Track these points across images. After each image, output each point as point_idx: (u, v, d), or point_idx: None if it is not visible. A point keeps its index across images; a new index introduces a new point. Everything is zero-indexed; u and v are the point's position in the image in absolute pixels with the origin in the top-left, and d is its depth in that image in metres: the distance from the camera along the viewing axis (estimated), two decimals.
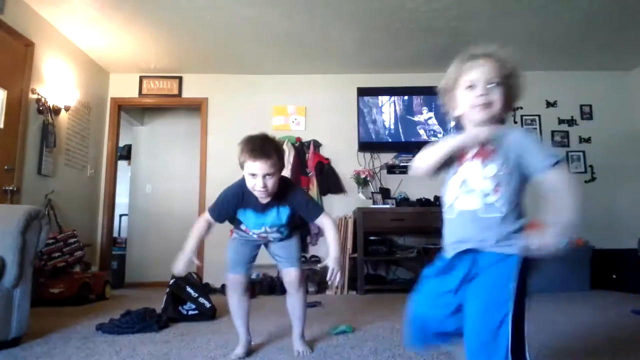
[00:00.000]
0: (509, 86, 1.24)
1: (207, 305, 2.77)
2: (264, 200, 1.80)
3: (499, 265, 1.14)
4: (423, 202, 4.65)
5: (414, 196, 4.77)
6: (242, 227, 1.97)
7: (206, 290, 3.40)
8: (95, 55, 4.69)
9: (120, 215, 6.06)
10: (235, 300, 1.99)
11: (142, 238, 5.72)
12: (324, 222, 1.85)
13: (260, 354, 1.90)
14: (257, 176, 1.68)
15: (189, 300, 2.76)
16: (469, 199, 1.18)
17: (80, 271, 3.80)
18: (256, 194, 1.75)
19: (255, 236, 1.96)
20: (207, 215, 1.95)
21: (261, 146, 1.68)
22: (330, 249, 1.80)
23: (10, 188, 3.44)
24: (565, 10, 3.83)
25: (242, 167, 1.74)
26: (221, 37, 4.31)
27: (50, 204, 3.89)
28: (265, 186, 1.69)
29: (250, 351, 1.92)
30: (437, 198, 4.74)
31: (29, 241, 2.08)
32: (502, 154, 1.15)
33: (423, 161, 1.28)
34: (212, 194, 5.24)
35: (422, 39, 4.36)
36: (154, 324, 2.39)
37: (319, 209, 1.88)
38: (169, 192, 5.81)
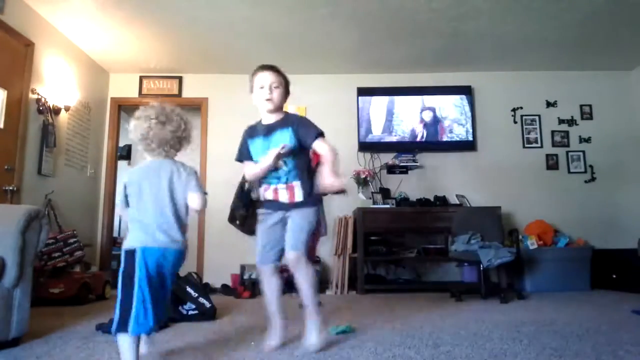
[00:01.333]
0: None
1: (207, 305, 2.77)
2: (270, 108, 1.95)
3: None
4: (423, 202, 4.66)
5: (414, 196, 4.77)
6: (260, 180, 2.03)
7: (206, 290, 3.40)
8: (95, 55, 4.69)
9: (120, 215, 6.05)
10: (264, 284, 2.03)
11: None
12: (321, 145, 1.91)
13: (260, 354, 1.90)
14: (264, 87, 1.94)
15: (189, 300, 2.76)
16: None
17: (80, 271, 3.80)
18: (264, 104, 1.94)
19: (269, 193, 1.99)
20: (244, 166, 2.11)
21: (269, 65, 2.00)
22: (324, 168, 1.86)
23: (10, 188, 3.44)
24: (565, 10, 3.83)
25: (252, 89, 1.99)
26: (221, 37, 4.31)
27: (50, 204, 3.89)
28: (271, 93, 1.93)
29: (284, 342, 1.95)
30: (437, 198, 4.75)
31: (29, 241, 2.08)
32: None
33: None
34: (212, 194, 5.23)
35: (422, 39, 4.36)
36: None
37: (317, 130, 1.95)
38: None
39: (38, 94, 3.80)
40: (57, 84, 4.06)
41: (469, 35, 4.29)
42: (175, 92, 5.16)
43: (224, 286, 4.58)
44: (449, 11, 3.83)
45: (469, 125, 5.00)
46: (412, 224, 4.48)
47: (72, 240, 3.77)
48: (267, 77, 1.95)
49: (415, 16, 3.91)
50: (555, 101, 5.13)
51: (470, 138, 4.98)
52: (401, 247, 4.70)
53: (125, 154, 6.14)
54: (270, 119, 1.99)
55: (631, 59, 4.88)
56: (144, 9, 3.76)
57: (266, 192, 2.02)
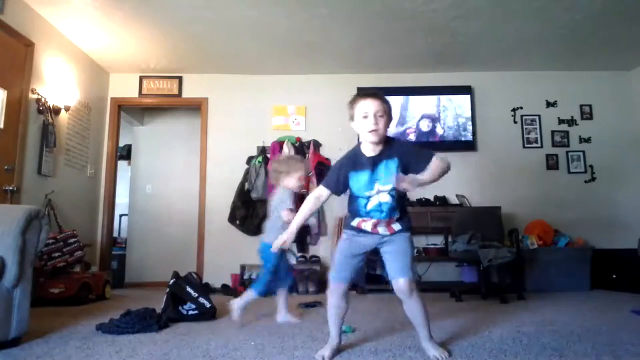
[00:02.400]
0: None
1: (207, 305, 2.77)
2: (375, 140, 1.79)
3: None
4: (423, 202, 4.66)
5: (414, 196, 4.77)
6: (356, 209, 1.89)
7: (206, 290, 3.40)
8: (95, 55, 4.69)
9: (120, 215, 6.06)
10: (332, 301, 1.92)
11: (142, 238, 5.72)
12: (436, 162, 1.76)
13: (261, 354, 1.90)
14: (368, 116, 1.78)
15: (189, 300, 2.76)
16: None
17: (80, 271, 3.80)
18: (368, 136, 1.79)
19: (368, 225, 1.86)
20: (319, 190, 1.92)
21: (371, 92, 1.86)
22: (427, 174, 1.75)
23: (10, 188, 3.44)
24: (565, 10, 3.83)
25: (352, 118, 1.85)
26: (221, 37, 4.31)
27: (50, 204, 3.89)
28: (377, 124, 1.76)
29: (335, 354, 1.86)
30: (437, 198, 4.75)
31: (29, 241, 2.08)
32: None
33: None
34: (212, 194, 5.31)
35: (422, 39, 4.36)
36: (154, 324, 2.38)
37: (429, 153, 1.79)
38: (169, 192, 5.82)
39: (38, 94, 3.80)
40: (57, 84, 4.06)
41: (469, 35, 4.29)
42: (175, 92, 5.16)
43: (224, 286, 4.58)
44: (449, 11, 3.83)
45: (469, 125, 5.00)
46: (412, 224, 4.47)
47: (72, 240, 3.77)
48: (371, 106, 1.78)
49: (415, 16, 3.91)
50: (555, 101, 5.13)
51: (470, 138, 4.98)
52: None
53: (125, 154, 6.15)
54: (375, 149, 1.83)
55: (631, 59, 4.88)
56: (144, 9, 3.76)
57: (364, 224, 1.87)
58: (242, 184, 4.85)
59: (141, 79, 5.16)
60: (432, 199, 4.72)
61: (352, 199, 1.91)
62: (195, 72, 5.15)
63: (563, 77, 5.16)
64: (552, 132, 5.09)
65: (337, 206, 4.79)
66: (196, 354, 1.88)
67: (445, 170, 1.77)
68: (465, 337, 2.15)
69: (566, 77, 5.16)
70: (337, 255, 1.94)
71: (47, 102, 3.90)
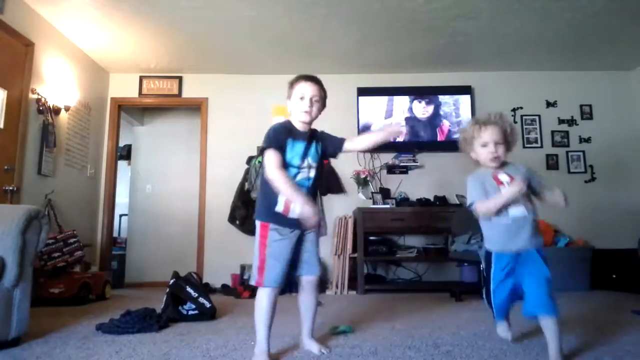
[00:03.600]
0: (508, 141, 1.90)
1: (207, 305, 2.77)
2: (306, 121, 1.90)
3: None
4: (423, 202, 4.65)
5: (414, 196, 4.77)
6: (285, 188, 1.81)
7: (206, 290, 3.40)
8: (95, 55, 4.69)
9: (120, 215, 6.06)
10: (269, 301, 1.81)
11: (142, 238, 5.72)
12: (352, 139, 2.01)
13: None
14: (305, 98, 1.89)
15: (189, 300, 2.76)
16: (518, 208, 1.78)
17: (80, 271, 3.80)
18: (301, 116, 1.89)
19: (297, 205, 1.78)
20: (271, 155, 1.80)
21: (312, 75, 1.99)
22: (373, 135, 2.06)
23: (10, 188, 3.44)
24: (565, 10, 3.83)
25: (289, 97, 1.96)
26: (221, 37, 4.31)
27: (50, 204, 3.89)
28: (311, 106, 1.88)
29: None
30: (437, 198, 4.74)
31: (29, 241, 2.08)
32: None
33: (489, 210, 1.80)
34: (212, 194, 5.31)
35: (422, 39, 4.36)
36: (154, 324, 2.39)
37: (339, 138, 2.01)
38: (169, 192, 5.82)
39: (38, 94, 3.80)
40: (57, 84, 4.06)
41: (469, 35, 4.29)
42: (175, 92, 5.16)
43: (224, 286, 4.58)
44: (449, 11, 3.83)
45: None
46: (412, 224, 4.47)
47: (72, 240, 3.77)
48: (308, 89, 1.91)
49: (415, 16, 3.91)
50: (555, 101, 5.13)
51: None
52: (401, 247, 4.71)
53: (125, 154, 6.15)
54: (305, 128, 1.93)
55: (631, 59, 4.88)
56: (144, 9, 3.76)
57: (293, 205, 1.79)
58: (242, 184, 4.84)
59: (141, 79, 5.16)
60: (432, 199, 4.72)
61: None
62: (195, 72, 5.15)
63: (563, 77, 5.16)
64: (552, 132, 5.09)
65: (337, 206, 4.81)
66: (196, 354, 1.88)
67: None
68: (465, 337, 2.15)
69: (566, 77, 5.16)
70: (269, 258, 1.80)
71: (47, 102, 3.90)
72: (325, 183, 4.83)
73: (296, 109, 1.91)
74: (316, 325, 2.48)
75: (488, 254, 1.86)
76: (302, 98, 1.89)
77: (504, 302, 1.84)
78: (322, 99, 1.94)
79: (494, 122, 1.86)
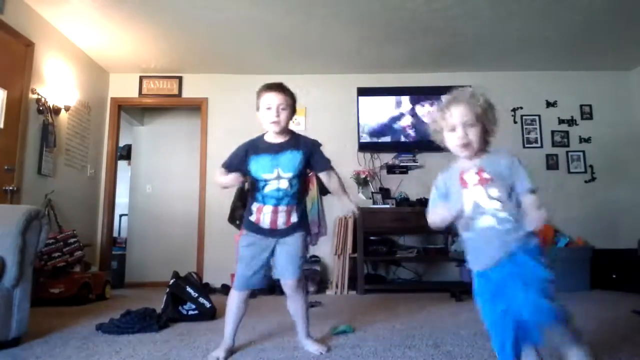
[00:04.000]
0: (483, 123, 1.45)
1: (207, 305, 2.77)
2: (276, 131, 1.91)
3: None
4: (423, 202, 4.64)
5: (414, 196, 4.77)
6: (253, 195, 1.98)
7: (206, 290, 3.41)
8: (95, 55, 4.69)
9: (120, 215, 6.06)
10: (233, 306, 1.96)
11: (142, 238, 5.72)
12: (331, 174, 1.98)
13: (261, 354, 1.90)
14: (271, 108, 1.89)
15: (189, 300, 2.76)
16: (485, 218, 1.40)
17: (80, 271, 3.80)
18: (270, 127, 1.91)
19: (267, 217, 1.92)
20: (216, 172, 2.02)
21: (276, 84, 1.95)
22: (341, 196, 2.00)
23: (10, 188, 3.44)
24: (565, 10, 3.83)
25: (258, 108, 1.95)
26: (221, 37, 4.31)
27: (50, 204, 3.89)
28: (278, 116, 1.88)
29: (229, 356, 1.87)
30: None
31: (29, 241, 2.08)
32: (498, 179, 1.39)
33: (434, 223, 1.51)
34: (212, 194, 5.31)
35: (422, 39, 4.36)
36: (154, 324, 2.39)
37: (328, 161, 1.99)
38: (169, 192, 5.82)
39: (38, 94, 3.80)
40: (57, 84, 4.05)
41: (469, 36, 4.29)
42: (175, 92, 5.16)
43: (224, 286, 4.58)
44: (449, 11, 3.83)
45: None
46: (412, 224, 4.47)
47: (72, 240, 3.77)
48: (274, 99, 1.90)
49: (415, 16, 3.91)
50: (555, 101, 5.13)
51: None
52: (401, 247, 4.70)
53: (125, 154, 6.15)
54: (279, 138, 1.96)
55: (631, 59, 4.88)
56: (144, 9, 3.76)
57: (264, 215, 1.92)
58: (242, 184, 4.84)
59: (141, 79, 5.16)
60: None
61: (252, 185, 1.99)
62: (195, 72, 5.15)
63: (563, 77, 5.16)
64: (552, 132, 5.09)
65: (337, 206, 4.80)
66: (196, 354, 1.88)
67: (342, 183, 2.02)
68: (465, 337, 2.15)
69: (566, 77, 5.16)
70: (238, 263, 1.95)
71: (47, 102, 3.90)
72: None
73: (265, 120, 1.92)
74: (316, 325, 2.48)
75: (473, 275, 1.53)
76: (268, 108, 1.90)
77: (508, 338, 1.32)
78: (289, 106, 1.93)
79: (461, 100, 1.46)
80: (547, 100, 5.14)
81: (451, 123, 1.46)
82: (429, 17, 3.92)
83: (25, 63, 3.69)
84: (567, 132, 5.09)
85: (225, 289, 4.47)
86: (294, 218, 1.94)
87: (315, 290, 4.31)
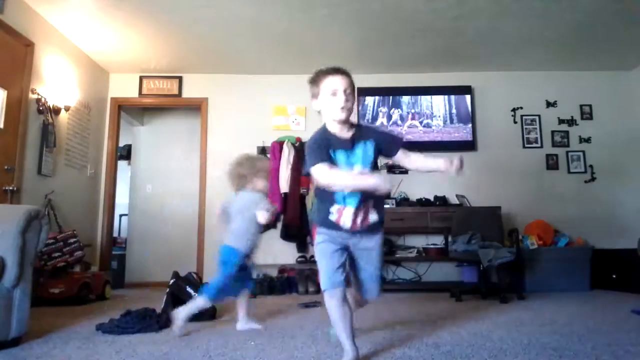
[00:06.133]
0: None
1: (207, 305, 2.77)
2: (344, 118, 1.69)
3: None
4: (423, 202, 4.66)
5: (414, 196, 4.77)
6: (331, 196, 1.71)
7: None
8: (95, 55, 4.69)
9: (120, 215, 6.06)
10: (335, 310, 1.69)
11: (142, 238, 5.72)
12: (407, 153, 1.76)
13: (261, 354, 1.90)
14: (337, 92, 1.68)
15: (189, 300, 2.75)
16: None
17: (80, 271, 3.80)
18: (337, 114, 1.68)
19: (347, 219, 1.70)
20: (320, 169, 1.63)
21: (340, 68, 1.74)
22: (430, 162, 1.77)
23: (10, 188, 3.44)
24: (565, 10, 3.83)
25: (316, 96, 1.75)
26: (221, 37, 4.31)
27: (50, 204, 3.89)
28: (347, 101, 1.68)
29: None
30: (437, 198, 4.74)
31: (29, 241, 2.08)
32: None
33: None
34: (212, 194, 5.31)
35: (422, 39, 4.36)
36: (154, 324, 2.39)
37: (399, 140, 1.79)
38: (169, 192, 5.81)
39: (38, 94, 3.80)
40: (57, 84, 4.06)
41: (469, 35, 4.29)
42: (175, 92, 5.16)
43: None
44: (449, 11, 3.83)
45: (469, 125, 5.00)
46: (412, 224, 4.47)
47: (72, 240, 3.77)
48: (339, 82, 1.69)
49: (415, 16, 3.91)
50: (555, 101, 5.13)
51: (470, 138, 4.98)
52: (401, 247, 4.70)
53: (125, 154, 6.15)
54: (345, 130, 1.73)
55: (631, 59, 4.88)
56: (144, 9, 3.76)
57: (343, 218, 1.70)
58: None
59: (141, 79, 5.16)
60: (432, 199, 4.72)
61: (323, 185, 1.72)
62: (195, 72, 5.15)
63: (563, 77, 5.16)
64: (552, 132, 5.09)
65: None
66: (196, 354, 1.88)
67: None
68: (465, 337, 2.15)
69: (566, 77, 5.16)
70: (321, 260, 1.74)
71: (47, 102, 3.90)
72: None
73: (330, 107, 1.69)
74: (316, 325, 2.48)
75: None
76: (334, 94, 1.68)
77: None
78: (354, 91, 1.74)
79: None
80: (547, 100, 5.13)
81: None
82: (429, 17, 3.92)
83: (25, 63, 3.69)
84: (567, 132, 5.09)
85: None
86: (373, 218, 1.74)
87: (315, 290, 4.30)
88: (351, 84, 1.73)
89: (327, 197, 1.73)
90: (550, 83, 5.15)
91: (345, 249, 1.76)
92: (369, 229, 1.74)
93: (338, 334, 1.69)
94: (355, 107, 1.77)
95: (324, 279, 1.72)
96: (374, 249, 1.77)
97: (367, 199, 1.70)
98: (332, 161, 1.67)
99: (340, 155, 1.70)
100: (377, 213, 1.75)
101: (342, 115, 1.69)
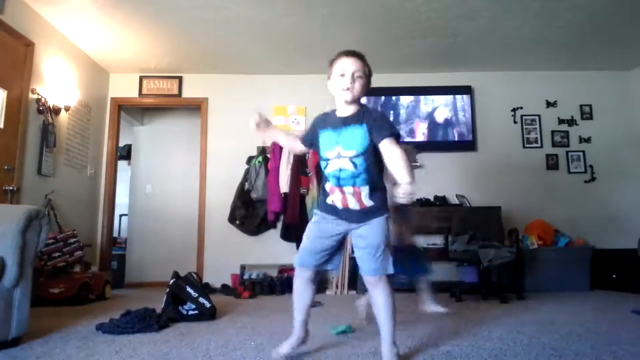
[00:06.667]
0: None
1: (207, 305, 2.77)
2: (348, 99, 1.71)
3: None
4: (423, 202, 4.65)
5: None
6: (326, 175, 1.76)
7: (206, 290, 3.41)
8: (95, 55, 4.69)
9: (120, 215, 6.05)
10: (295, 287, 1.82)
11: (142, 238, 5.72)
12: (389, 147, 1.63)
13: (261, 354, 1.90)
14: (345, 74, 1.72)
15: (189, 300, 2.76)
16: None
17: (80, 271, 3.80)
18: (341, 94, 1.73)
19: (337, 198, 1.72)
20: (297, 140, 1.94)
21: (354, 51, 1.79)
22: (397, 173, 1.60)
23: (10, 188, 3.44)
24: (565, 10, 3.83)
25: (329, 77, 1.80)
26: (221, 37, 4.31)
27: (50, 204, 3.89)
28: (353, 82, 1.71)
29: (297, 350, 1.80)
30: (437, 198, 4.75)
31: (29, 241, 2.08)
32: None
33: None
34: (212, 194, 5.30)
35: (422, 39, 4.36)
36: (154, 324, 2.39)
37: (389, 129, 1.66)
38: (169, 192, 5.81)
39: (38, 94, 3.80)
40: (57, 84, 4.05)
41: (469, 35, 4.29)
42: (175, 92, 5.16)
43: (224, 286, 4.58)
44: (449, 11, 3.83)
45: (469, 125, 5.00)
46: (412, 224, 4.47)
47: (72, 240, 3.77)
48: (350, 65, 1.73)
49: (415, 16, 3.91)
50: (555, 101, 5.13)
51: (470, 138, 4.98)
52: None
53: (125, 154, 6.15)
54: (346, 111, 1.75)
55: (631, 59, 4.88)
56: (144, 9, 3.76)
57: (333, 195, 1.74)
58: (242, 184, 4.85)
59: (141, 79, 5.16)
60: (432, 199, 4.72)
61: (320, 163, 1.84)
62: (195, 72, 5.15)
63: (563, 77, 5.16)
64: (552, 132, 5.09)
65: None
66: (196, 354, 1.88)
67: (405, 159, 1.63)
68: (465, 337, 2.15)
69: (566, 77, 5.16)
70: (303, 238, 1.81)
71: (47, 102, 3.90)
72: None
73: (336, 88, 1.74)
74: (316, 325, 2.48)
75: None
76: (342, 75, 1.72)
77: None
78: (366, 75, 1.75)
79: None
80: (547, 100, 5.13)
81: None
82: (429, 17, 3.92)
83: (25, 63, 3.69)
84: (567, 132, 5.09)
85: (226, 289, 4.47)
86: (368, 202, 1.70)
87: (315, 290, 4.30)
88: (362, 68, 1.74)
89: (323, 179, 1.81)
90: (550, 83, 5.15)
91: (338, 238, 1.77)
92: (364, 216, 1.72)
93: (294, 311, 1.82)
94: (362, 91, 1.75)
95: (298, 255, 1.82)
96: (368, 237, 1.71)
97: (349, 183, 1.69)
98: (312, 142, 1.80)
99: (326, 134, 1.75)
100: (372, 200, 1.71)
101: (346, 96, 1.72)
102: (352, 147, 1.68)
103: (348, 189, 1.70)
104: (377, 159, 1.70)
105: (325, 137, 1.75)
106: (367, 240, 1.70)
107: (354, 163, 1.67)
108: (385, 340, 1.71)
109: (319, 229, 1.78)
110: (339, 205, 1.74)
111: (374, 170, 1.71)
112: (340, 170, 1.69)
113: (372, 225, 1.71)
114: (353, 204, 1.72)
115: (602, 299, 3.62)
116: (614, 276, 4.25)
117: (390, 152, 1.63)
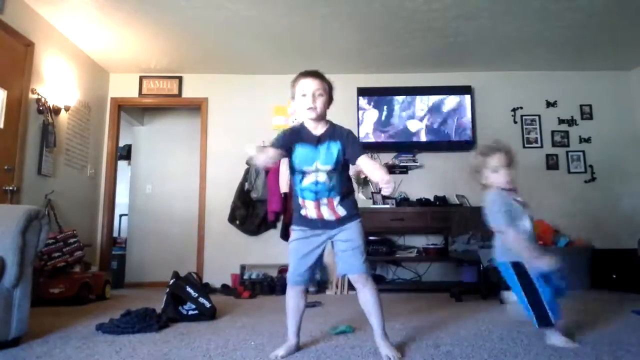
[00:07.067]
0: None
1: (207, 305, 2.77)
2: (313, 117, 1.83)
3: None
4: (423, 202, 4.65)
5: (414, 196, 4.77)
6: (294, 188, 1.91)
7: (206, 290, 3.40)
8: (95, 55, 4.69)
9: (120, 215, 6.06)
10: (290, 303, 1.92)
11: (142, 238, 5.72)
12: (366, 161, 1.78)
13: (261, 354, 1.90)
14: (307, 95, 1.83)
15: (189, 300, 2.76)
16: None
17: (80, 271, 3.80)
18: (306, 114, 1.84)
19: (311, 211, 1.85)
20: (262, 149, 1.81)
21: (312, 70, 1.90)
22: (374, 174, 1.72)
23: (10, 188, 3.44)
24: (565, 10, 3.83)
25: (293, 97, 1.90)
26: (221, 37, 4.31)
27: (50, 204, 3.89)
28: (314, 102, 1.82)
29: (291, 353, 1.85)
30: (437, 198, 4.75)
31: (29, 241, 2.08)
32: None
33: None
34: (212, 194, 5.31)
35: (422, 39, 4.36)
36: (154, 324, 2.38)
37: (361, 147, 1.85)
38: (169, 192, 5.82)
39: (38, 94, 3.80)
40: (57, 84, 4.06)
41: (469, 35, 4.29)
42: (175, 92, 5.16)
43: (224, 286, 4.58)
44: (449, 11, 3.83)
45: (469, 125, 5.00)
46: (412, 224, 4.47)
47: (72, 240, 3.77)
48: (309, 84, 1.84)
49: (415, 16, 3.91)
50: (555, 101, 5.13)
51: (470, 138, 4.98)
52: (401, 247, 4.70)
53: (125, 154, 6.15)
54: (318, 129, 1.86)
55: (631, 59, 4.88)
56: (144, 8, 3.76)
57: (307, 209, 1.87)
58: (242, 184, 4.85)
59: (141, 79, 5.16)
60: (432, 199, 4.72)
61: (292, 178, 1.93)
62: (195, 72, 5.15)
63: (563, 77, 5.16)
64: (552, 132, 5.09)
65: None
66: (196, 354, 1.88)
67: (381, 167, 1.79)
68: (465, 337, 2.15)
69: (566, 77, 5.16)
70: (290, 256, 1.92)
71: (47, 102, 3.90)
72: None
73: (300, 108, 1.85)
74: (316, 325, 2.48)
75: (518, 264, 2.05)
76: (304, 95, 1.84)
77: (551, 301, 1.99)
78: (326, 92, 1.87)
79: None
80: (547, 100, 5.14)
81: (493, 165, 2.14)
82: (429, 17, 3.92)
83: (25, 63, 3.69)
84: (567, 132, 5.09)
85: (226, 289, 4.47)
86: (341, 212, 1.85)
87: (315, 290, 4.31)
88: (322, 85, 1.86)
89: (296, 196, 1.91)
90: (550, 83, 5.15)
91: (319, 247, 1.89)
92: (340, 223, 1.87)
93: (287, 322, 1.91)
94: (325, 107, 1.87)
95: (289, 275, 1.92)
96: (350, 239, 1.86)
97: (325, 195, 1.84)
98: (283, 146, 1.83)
99: (303, 149, 1.84)
100: (344, 209, 1.86)
101: (311, 115, 1.83)
102: (328, 162, 1.83)
103: (323, 201, 1.84)
104: (347, 174, 1.92)
105: (303, 152, 1.85)
106: (350, 242, 1.85)
107: (329, 176, 1.83)
108: (378, 333, 1.85)
109: (301, 248, 1.89)
110: (314, 216, 1.87)
111: (343, 181, 1.88)
112: (317, 183, 1.83)
113: (351, 229, 1.87)
114: (327, 215, 1.86)
115: (602, 299, 3.61)
116: (614, 276, 4.25)
117: (368, 166, 1.79)
